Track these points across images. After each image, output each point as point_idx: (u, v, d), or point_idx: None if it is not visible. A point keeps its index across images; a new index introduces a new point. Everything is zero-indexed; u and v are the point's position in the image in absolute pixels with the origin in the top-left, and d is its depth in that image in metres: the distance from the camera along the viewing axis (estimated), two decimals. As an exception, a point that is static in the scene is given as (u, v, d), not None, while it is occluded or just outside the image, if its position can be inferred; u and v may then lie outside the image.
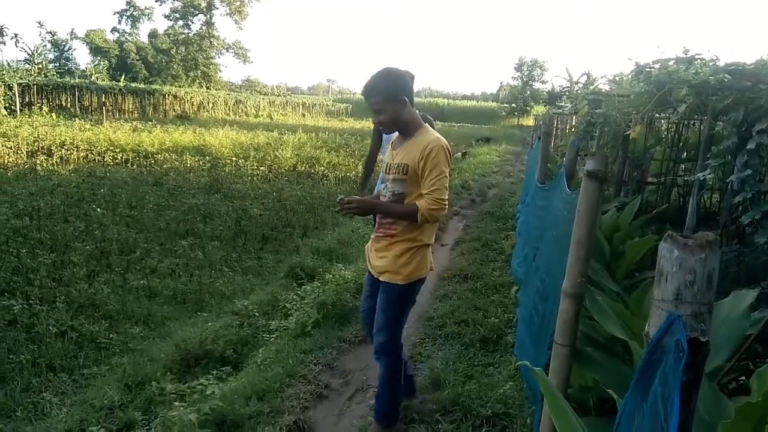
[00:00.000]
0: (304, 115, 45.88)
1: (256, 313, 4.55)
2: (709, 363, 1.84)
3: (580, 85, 7.99)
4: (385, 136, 3.79)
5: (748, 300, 2.33)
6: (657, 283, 0.97)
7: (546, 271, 2.81)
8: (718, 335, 2.17)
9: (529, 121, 46.05)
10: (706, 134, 3.43)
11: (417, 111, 3.69)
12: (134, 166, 11.96)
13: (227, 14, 54.74)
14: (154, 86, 36.04)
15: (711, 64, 3.31)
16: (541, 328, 2.58)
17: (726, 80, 2.71)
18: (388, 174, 2.70)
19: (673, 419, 0.86)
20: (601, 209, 3.22)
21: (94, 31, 52.51)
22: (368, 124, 33.79)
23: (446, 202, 2.53)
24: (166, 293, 5.18)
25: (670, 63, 3.75)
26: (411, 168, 2.56)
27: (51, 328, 4.22)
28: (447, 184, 2.53)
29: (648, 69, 4.05)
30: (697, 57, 3.61)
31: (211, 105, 37.90)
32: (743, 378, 2.46)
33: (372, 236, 2.87)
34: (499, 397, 3.14)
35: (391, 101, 2.53)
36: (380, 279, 2.72)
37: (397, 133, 2.77)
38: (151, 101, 33.17)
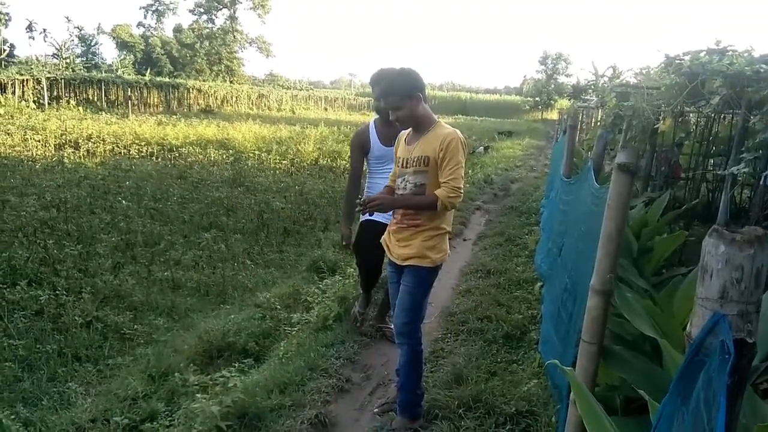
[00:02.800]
0: (326, 109, 45.95)
1: (278, 306, 4.56)
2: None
3: (606, 79, 7.84)
4: (376, 144, 3.67)
5: (785, 299, 2.26)
6: (701, 281, 0.92)
7: (573, 268, 2.75)
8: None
9: (553, 115, 45.52)
10: (740, 127, 3.32)
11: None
12: (159, 159, 12.07)
13: (251, 8, 55.03)
14: (178, 80, 36.42)
15: (745, 55, 3.21)
16: (569, 326, 2.53)
17: (762, 71, 2.62)
18: (407, 167, 2.78)
19: (719, 424, 0.81)
20: (629, 204, 3.14)
21: (121, 26, 53.13)
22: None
23: (462, 190, 2.66)
24: (190, 285, 5.21)
25: (702, 54, 3.64)
26: (432, 159, 2.68)
27: (77, 318, 4.27)
28: (463, 174, 2.66)
29: (678, 61, 3.94)
30: (729, 48, 3.50)
31: (234, 99, 38.18)
32: (775, 379, 2.38)
33: (391, 228, 2.93)
34: (523, 394, 3.09)
35: (407, 98, 2.65)
36: (406, 264, 2.82)
37: (408, 130, 2.86)
38: (176, 95, 33.52)
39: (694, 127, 5.70)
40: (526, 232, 7.06)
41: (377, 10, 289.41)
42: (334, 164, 12.40)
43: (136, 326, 4.34)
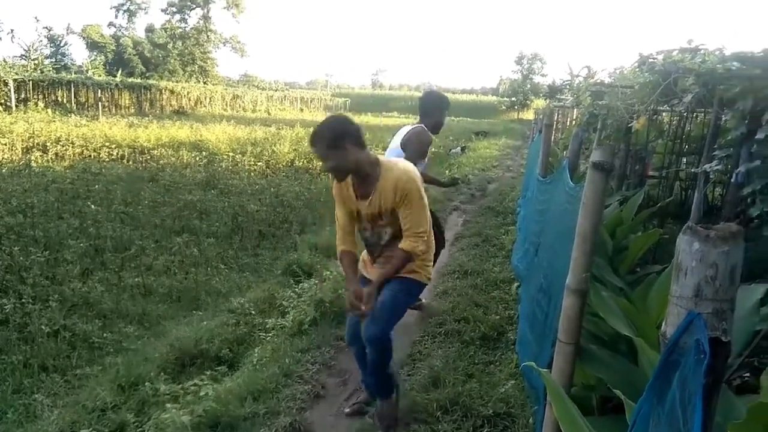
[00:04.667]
0: (302, 110, 45.74)
1: (253, 311, 4.48)
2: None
3: (581, 78, 7.90)
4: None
5: (758, 295, 2.27)
6: (675, 279, 0.90)
7: (548, 267, 2.74)
8: (727, 331, 2.10)
9: (529, 115, 45.91)
10: (712, 125, 3.35)
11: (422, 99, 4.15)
12: (130, 162, 11.86)
13: (224, 8, 54.56)
14: (150, 81, 35.91)
15: (717, 53, 3.23)
16: (545, 326, 2.51)
17: (734, 69, 2.64)
18: (370, 222, 2.75)
19: (695, 425, 0.78)
20: (604, 203, 3.13)
21: (91, 26, 52.22)
22: (366, 120, 33.56)
23: (425, 233, 2.64)
24: (162, 291, 5.10)
25: (675, 53, 3.67)
26: (393, 209, 2.65)
27: (43, 327, 4.13)
28: (425, 210, 2.63)
29: (651, 60, 3.97)
30: (701, 47, 3.53)
31: (208, 100, 37.79)
32: (748, 375, 2.40)
33: (370, 260, 2.92)
34: (500, 396, 3.07)
35: (332, 148, 2.52)
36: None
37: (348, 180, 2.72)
38: (148, 96, 33.06)
39: (667, 125, 5.75)
40: (503, 232, 7.07)
41: (353, 10, 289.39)
42: (311, 165, 12.31)
43: (105, 334, 4.23)
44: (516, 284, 4.80)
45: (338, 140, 2.52)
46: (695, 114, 4.81)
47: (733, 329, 2.27)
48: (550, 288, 2.53)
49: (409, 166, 2.66)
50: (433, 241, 2.80)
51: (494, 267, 5.62)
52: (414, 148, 4.01)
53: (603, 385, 2.22)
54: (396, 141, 4.22)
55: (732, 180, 3.12)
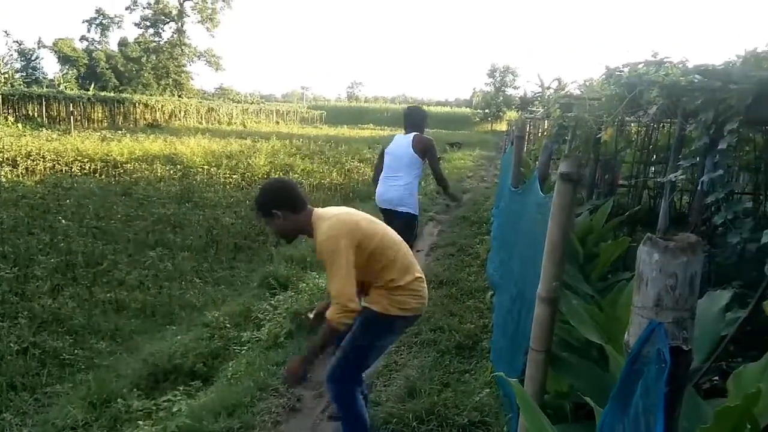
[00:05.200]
0: (278, 123, 45.56)
1: (228, 325, 4.44)
2: (686, 366, 1.82)
3: (552, 91, 8.04)
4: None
5: (723, 301, 2.32)
6: (636, 289, 0.92)
7: (520, 276, 2.77)
8: (693, 337, 2.15)
9: (503, 127, 46.40)
10: (677, 135, 3.44)
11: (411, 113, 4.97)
12: (102, 176, 11.67)
13: (199, 22, 54.08)
14: (124, 95, 35.40)
15: (680, 66, 3.33)
16: (517, 334, 2.54)
17: (696, 81, 2.72)
18: None
19: (657, 433, 0.80)
20: (575, 212, 3.19)
21: (63, 39, 51.37)
22: (342, 132, 33.65)
23: (340, 298, 2.40)
24: (135, 306, 5.03)
25: (640, 66, 3.77)
26: None
27: (12, 345, 4.05)
28: (342, 269, 2.41)
29: (618, 72, 4.07)
30: (666, 60, 3.63)
31: (182, 113, 37.37)
32: (717, 378, 2.45)
33: None
34: (475, 405, 3.09)
35: (265, 215, 2.59)
36: None
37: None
38: (121, 110, 32.57)
39: (635, 136, 5.88)
40: (478, 241, 7.13)
41: (329, 23, 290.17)
42: (287, 178, 12.26)
43: (76, 351, 4.15)
44: (490, 293, 4.84)
45: (268, 209, 2.56)
46: (661, 124, 4.93)
47: (700, 334, 2.33)
48: (522, 297, 2.57)
49: (332, 222, 2.52)
50: (354, 306, 2.44)
51: (469, 276, 5.66)
52: (435, 153, 5.01)
53: (576, 392, 2.25)
54: (402, 149, 4.83)
55: (698, 188, 3.21)
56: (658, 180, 4.41)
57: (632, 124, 5.77)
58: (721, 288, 2.63)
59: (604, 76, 4.35)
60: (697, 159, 3.17)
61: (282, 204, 2.54)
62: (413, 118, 5.00)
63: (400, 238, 2.76)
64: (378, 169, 5.00)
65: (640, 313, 0.92)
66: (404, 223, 4.58)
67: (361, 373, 2.76)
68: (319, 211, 2.63)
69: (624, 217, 4.33)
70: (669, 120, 4.39)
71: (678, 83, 2.88)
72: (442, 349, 3.94)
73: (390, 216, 4.73)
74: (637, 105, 3.63)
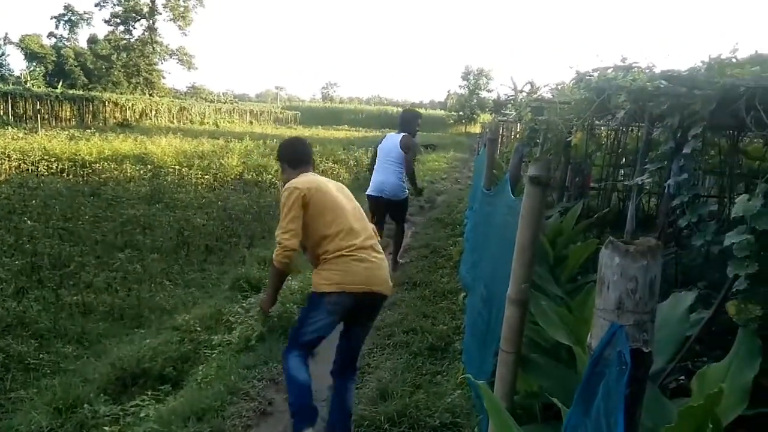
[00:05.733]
0: (251, 123, 45.20)
1: (198, 328, 4.38)
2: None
3: (524, 94, 8.12)
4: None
5: (688, 302, 2.37)
6: (599, 292, 0.94)
7: (491, 278, 2.79)
8: (659, 337, 2.18)
9: (476, 129, 46.71)
10: (644, 140, 3.50)
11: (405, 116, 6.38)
12: (70, 176, 11.42)
13: (171, 20, 53.34)
14: (93, 93, 34.72)
15: (647, 71, 3.39)
16: (487, 336, 2.56)
17: (662, 86, 2.77)
18: None
19: (618, 435, 0.82)
20: (544, 214, 3.23)
21: (30, 36, 50.20)
22: (317, 132, 33.50)
23: (282, 238, 2.83)
24: (102, 309, 4.93)
25: (609, 70, 3.83)
26: None
27: (-26, 350, 3.93)
28: (286, 217, 2.82)
29: (588, 77, 4.13)
30: (634, 65, 3.69)
31: (153, 112, 36.80)
32: (683, 378, 2.49)
33: None
34: (447, 406, 3.10)
35: (278, 162, 3.31)
36: None
37: None
38: (90, 108, 31.93)
39: (605, 139, 5.98)
40: (451, 243, 7.17)
41: (303, 23, 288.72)
42: (260, 178, 12.18)
43: (41, 355, 4.05)
44: (463, 294, 4.87)
45: (278, 158, 3.26)
46: (630, 128, 5.02)
47: (666, 335, 2.37)
48: (492, 298, 2.59)
49: (297, 179, 2.95)
50: (290, 244, 2.83)
51: (442, 278, 5.69)
52: (413, 153, 6.31)
53: (545, 393, 2.28)
54: (392, 147, 5.94)
55: (665, 191, 3.27)
56: (627, 183, 4.49)
57: (602, 128, 5.87)
58: (687, 289, 2.68)
59: (574, 81, 4.41)
60: (664, 162, 3.23)
61: (283, 157, 3.18)
62: (405, 119, 6.27)
63: (353, 210, 2.98)
64: (372, 162, 6.18)
65: (602, 316, 0.93)
66: (398, 206, 6.09)
67: (298, 343, 2.85)
68: (307, 173, 3.06)
69: (593, 220, 4.40)
70: (637, 124, 4.47)
71: (645, 88, 2.93)
72: (415, 350, 3.95)
73: (378, 204, 5.94)
74: (605, 109, 3.69)
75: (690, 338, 2.34)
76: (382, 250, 2.99)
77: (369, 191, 6.00)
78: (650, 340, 0.91)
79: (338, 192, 3.00)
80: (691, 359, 2.60)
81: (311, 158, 3.22)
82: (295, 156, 3.13)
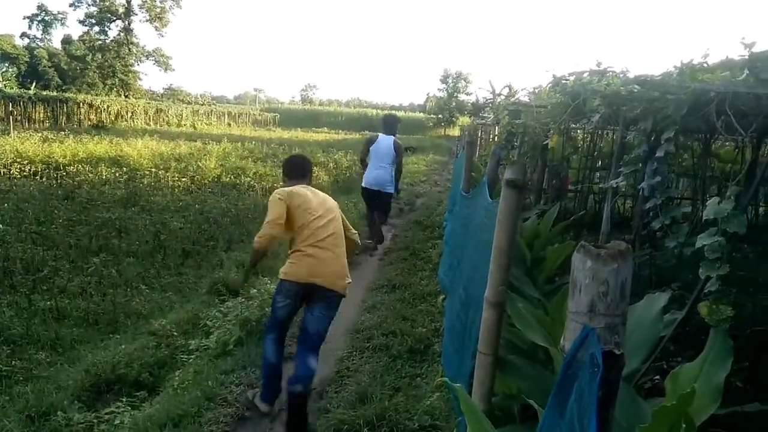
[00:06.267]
0: (230, 125, 44.83)
1: (175, 333, 4.33)
2: (625, 366, 1.87)
3: (503, 97, 8.18)
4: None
5: (661, 302, 2.41)
6: (571, 295, 0.95)
7: (468, 280, 2.81)
8: (633, 338, 2.22)
9: (456, 132, 46.92)
10: (619, 143, 3.55)
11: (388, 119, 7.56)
12: (43, 179, 11.21)
13: (147, 21, 52.62)
14: (67, 94, 34.12)
15: (621, 75, 3.44)
16: (465, 337, 2.57)
17: (635, 91, 2.81)
18: None
19: (590, 437, 0.82)
20: (521, 217, 3.25)
21: (2, 36, 49.32)
22: (296, 135, 33.32)
23: (265, 226, 3.28)
24: (76, 314, 4.84)
25: (585, 75, 3.87)
26: None
27: (-57, 357, 3.84)
28: (271, 213, 3.27)
29: (564, 81, 4.17)
30: (609, 69, 3.74)
31: (129, 114, 36.26)
32: (658, 378, 2.53)
33: None
34: (426, 409, 3.11)
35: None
36: None
37: None
38: (65, 110, 31.36)
39: (581, 143, 6.06)
40: (431, 245, 7.19)
41: (282, 24, 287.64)
42: (238, 181, 12.08)
43: (13, 362, 3.97)
44: (442, 297, 4.88)
45: (282, 173, 3.79)
46: (605, 132, 5.09)
47: (640, 335, 2.39)
48: (470, 301, 2.60)
49: (285, 188, 3.44)
50: (271, 231, 3.26)
51: (421, 280, 5.70)
52: (402, 155, 7.53)
53: (523, 394, 2.29)
54: (385, 146, 7.09)
55: (639, 194, 3.32)
56: (602, 185, 4.55)
57: (578, 132, 5.94)
58: (661, 290, 2.73)
59: (551, 85, 4.46)
60: (639, 165, 3.28)
61: (283, 170, 3.76)
62: (388, 122, 7.44)
63: (331, 215, 3.42)
64: (364, 160, 7.33)
65: (574, 319, 0.94)
66: (385, 199, 7.30)
67: (271, 324, 3.39)
68: (297, 185, 3.50)
69: (569, 222, 4.45)
70: (612, 128, 4.53)
71: (619, 92, 2.97)
72: (394, 353, 3.95)
73: (373, 195, 7.17)
74: (581, 113, 3.74)
75: (664, 338, 2.37)
76: (341, 251, 3.39)
77: (364, 184, 7.23)
78: (622, 342, 0.93)
79: (314, 198, 3.44)
80: (665, 359, 2.64)
81: (306, 172, 3.73)
82: (291, 170, 3.72)
